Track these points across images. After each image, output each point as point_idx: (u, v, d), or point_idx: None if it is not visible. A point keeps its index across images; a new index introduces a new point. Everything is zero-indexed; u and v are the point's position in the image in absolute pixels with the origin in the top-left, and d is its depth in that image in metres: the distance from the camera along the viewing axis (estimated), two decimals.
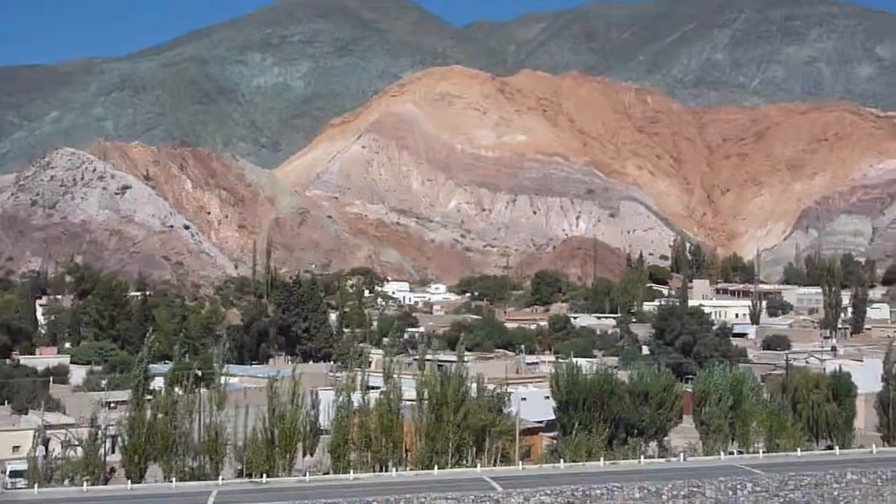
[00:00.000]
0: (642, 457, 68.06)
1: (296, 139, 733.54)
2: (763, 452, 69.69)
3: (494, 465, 66.60)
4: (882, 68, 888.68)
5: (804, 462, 64.74)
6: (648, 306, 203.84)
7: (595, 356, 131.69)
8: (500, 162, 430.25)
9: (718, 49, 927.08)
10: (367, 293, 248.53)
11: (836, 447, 73.07)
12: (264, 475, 62.51)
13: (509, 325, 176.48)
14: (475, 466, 65.30)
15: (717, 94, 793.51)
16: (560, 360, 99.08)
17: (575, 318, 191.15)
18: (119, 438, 67.18)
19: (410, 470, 65.19)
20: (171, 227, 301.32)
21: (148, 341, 68.53)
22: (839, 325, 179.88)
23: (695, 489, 57.27)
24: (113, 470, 67.58)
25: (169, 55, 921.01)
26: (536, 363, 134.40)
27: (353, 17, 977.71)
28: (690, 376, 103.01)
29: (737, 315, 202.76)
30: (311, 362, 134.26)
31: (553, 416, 77.48)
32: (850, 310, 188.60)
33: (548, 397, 79.09)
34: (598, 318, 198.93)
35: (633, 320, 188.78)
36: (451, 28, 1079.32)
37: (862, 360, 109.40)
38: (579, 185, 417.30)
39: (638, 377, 78.51)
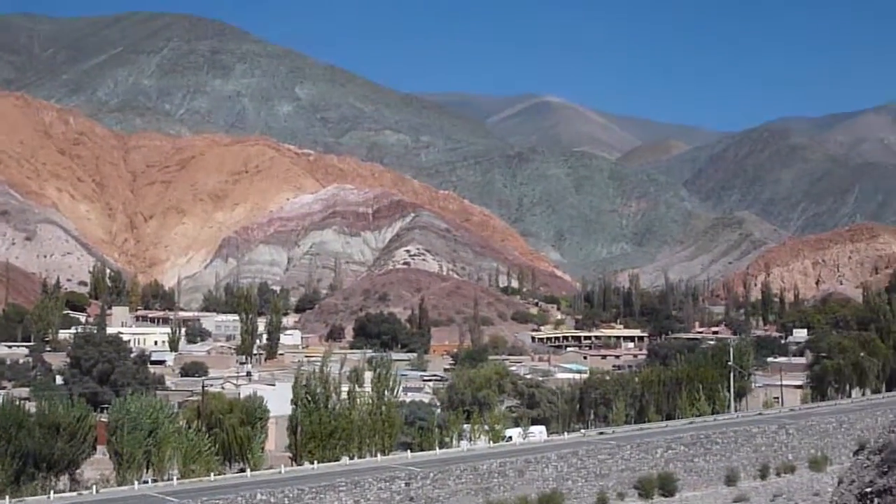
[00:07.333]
0: (52, 492, 65.06)
1: None
2: (177, 479, 69.99)
3: None
4: (300, 107, 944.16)
5: (217, 486, 65.91)
6: (65, 334, 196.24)
7: (5, 388, 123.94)
8: None
9: (146, 75, 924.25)
10: None
11: (249, 469, 75.41)
12: None
13: None
14: None
15: (143, 121, 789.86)
16: None
17: None
18: None
19: None
20: None
21: None
22: (255, 351, 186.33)
23: None
24: None
25: None
26: None
27: None
28: (107, 405, 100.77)
29: (156, 342, 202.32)
30: None
31: None
32: (265, 336, 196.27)
33: None
34: (10, 346, 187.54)
35: (48, 349, 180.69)
36: None
37: (275, 385, 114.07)
38: None
39: (49, 408, 75.17)
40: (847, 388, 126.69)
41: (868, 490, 44.42)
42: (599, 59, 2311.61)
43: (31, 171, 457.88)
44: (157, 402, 78.42)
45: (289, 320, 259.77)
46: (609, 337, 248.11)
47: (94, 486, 67.67)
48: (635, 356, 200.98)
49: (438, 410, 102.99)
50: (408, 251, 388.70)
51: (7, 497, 62.83)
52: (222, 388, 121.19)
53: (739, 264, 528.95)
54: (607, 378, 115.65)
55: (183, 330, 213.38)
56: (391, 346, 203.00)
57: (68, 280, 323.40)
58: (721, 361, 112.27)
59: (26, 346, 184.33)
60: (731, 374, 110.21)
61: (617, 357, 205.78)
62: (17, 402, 75.14)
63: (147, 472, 73.05)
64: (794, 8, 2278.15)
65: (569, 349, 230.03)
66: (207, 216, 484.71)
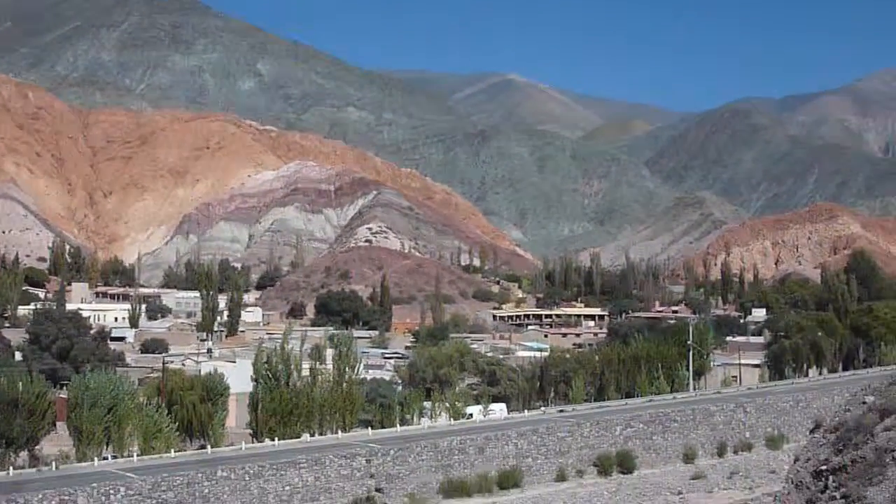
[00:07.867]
0: (11, 468, 64.70)
1: None
2: (137, 456, 69.77)
3: None
4: (262, 84, 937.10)
5: (177, 463, 65.79)
6: (24, 310, 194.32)
7: None
8: None
9: (105, 49, 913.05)
10: None
11: (209, 446, 75.29)
12: None
13: None
14: None
15: (103, 95, 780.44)
16: None
17: None
18: None
19: None
20: None
21: None
22: (215, 328, 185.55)
23: (66, 497, 55.72)
24: None
25: None
26: None
27: None
28: (67, 382, 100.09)
29: (116, 319, 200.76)
30: None
31: None
32: (226, 313, 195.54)
33: None
34: None
35: (7, 325, 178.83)
36: None
37: (235, 362, 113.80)
38: None
39: (8, 385, 74.62)
40: (804, 367, 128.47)
41: (823, 468, 45.12)
42: (563, 38, 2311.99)
43: None
44: (117, 378, 78.03)
45: (250, 297, 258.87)
46: (570, 315, 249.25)
47: (54, 463, 67.33)
48: (596, 335, 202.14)
49: (399, 388, 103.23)
50: (370, 229, 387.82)
51: None
52: (183, 364, 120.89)
53: (700, 244, 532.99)
54: (567, 356, 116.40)
55: (143, 306, 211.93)
56: (352, 324, 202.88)
57: (27, 256, 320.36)
58: (680, 340, 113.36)
59: None
60: (690, 353, 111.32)
61: (577, 335, 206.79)
62: None
63: (107, 448, 72.78)
64: None
65: (530, 327, 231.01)
66: (168, 192, 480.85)
